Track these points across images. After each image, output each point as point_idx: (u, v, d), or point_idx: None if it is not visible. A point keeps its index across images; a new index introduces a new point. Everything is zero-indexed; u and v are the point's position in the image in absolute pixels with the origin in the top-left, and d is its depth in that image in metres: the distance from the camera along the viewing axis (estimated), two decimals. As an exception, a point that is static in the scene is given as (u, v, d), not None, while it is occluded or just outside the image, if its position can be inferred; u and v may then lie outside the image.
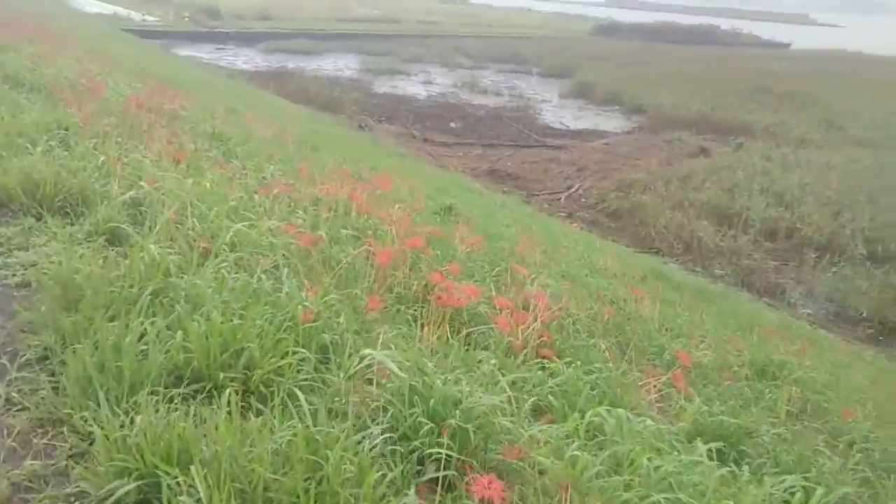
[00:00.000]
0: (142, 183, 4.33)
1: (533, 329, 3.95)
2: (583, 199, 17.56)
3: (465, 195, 11.57)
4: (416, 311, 3.96)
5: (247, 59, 40.89)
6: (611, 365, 4.04)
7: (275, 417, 2.34)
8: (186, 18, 52.99)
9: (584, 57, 45.10)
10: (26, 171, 4.31)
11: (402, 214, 5.83)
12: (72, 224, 3.98)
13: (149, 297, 2.90)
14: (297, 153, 8.60)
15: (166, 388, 2.45)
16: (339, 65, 40.92)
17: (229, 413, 2.26)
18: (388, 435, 2.37)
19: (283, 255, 3.82)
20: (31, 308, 3.00)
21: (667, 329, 5.83)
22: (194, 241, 3.64)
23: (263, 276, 3.32)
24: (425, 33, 57.38)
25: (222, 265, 3.38)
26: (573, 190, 18.10)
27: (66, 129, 5.47)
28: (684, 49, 56.93)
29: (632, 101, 31.46)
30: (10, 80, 6.94)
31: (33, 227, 3.93)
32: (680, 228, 15.34)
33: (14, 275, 3.41)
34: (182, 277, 3.14)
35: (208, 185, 4.55)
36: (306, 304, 3.09)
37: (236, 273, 3.36)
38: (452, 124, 25.71)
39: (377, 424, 2.42)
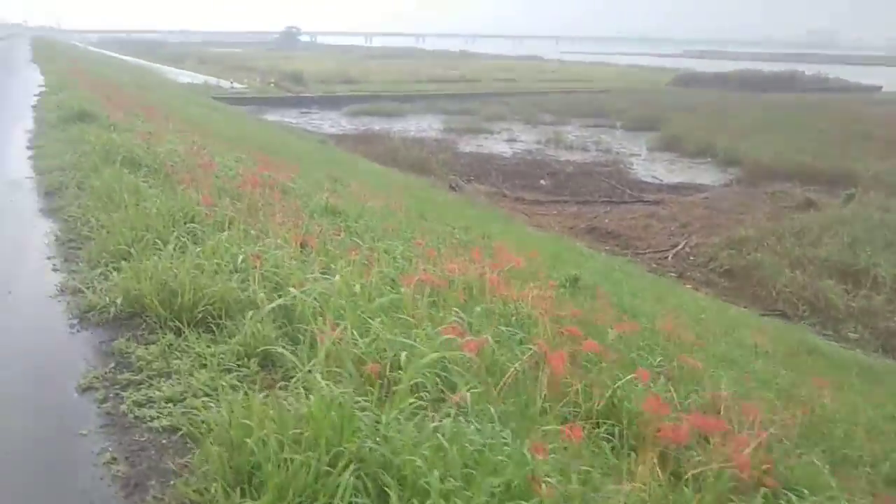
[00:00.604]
0: (290, 288, 3.95)
1: (749, 452, 3.26)
2: (691, 258, 16.65)
3: (583, 262, 10.95)
4: (604, 429, 3.35)
5: (332, 121, 41.73)
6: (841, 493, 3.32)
7: None
8: (272, 84, 54.75)
9: (668, 108, 44.22)
10: (161, 278, 4.05)
11: (540, 294, 5.28)
12: (216, 341, 3.61)
13: (346, 470, 2.33)
14: (407, 223, 8.21)
15: None
16: (423, 125, 41.24)
17: None
18: None
19: (459, 371, 3.27)
20: (192, 477, 2.51)
21: (869, 430, 5.01)
22: (363, 365, 3.14)
23: (461, 419, 2.76)
24: (504, 91, 57.70)
25: (412, 406, 2.84)
26: (680, 248, 17.22)
27: (193, 220, 5.26)
28: (770, 97, 55.33)
29: (725, 153, 30.34)
30: (128, 161, 6.95)
31: (173, 345, 3.63)
32: (802, 288, 14.25)
33: (160, 415, 2.96)
34: (377, 434, 2.57)
35: (357, 287, 4.07)
36: (531, 465, 2.49)
37: (425, 412, 2.81)
38: (542, 181, 25.22)
39: None
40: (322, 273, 4.36)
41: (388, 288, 4.29)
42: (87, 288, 4.40)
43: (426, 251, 5.94)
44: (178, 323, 3.80)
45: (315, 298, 3.79)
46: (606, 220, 19.64)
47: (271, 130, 24.64)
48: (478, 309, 4.27)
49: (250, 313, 3.68)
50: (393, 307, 3.94)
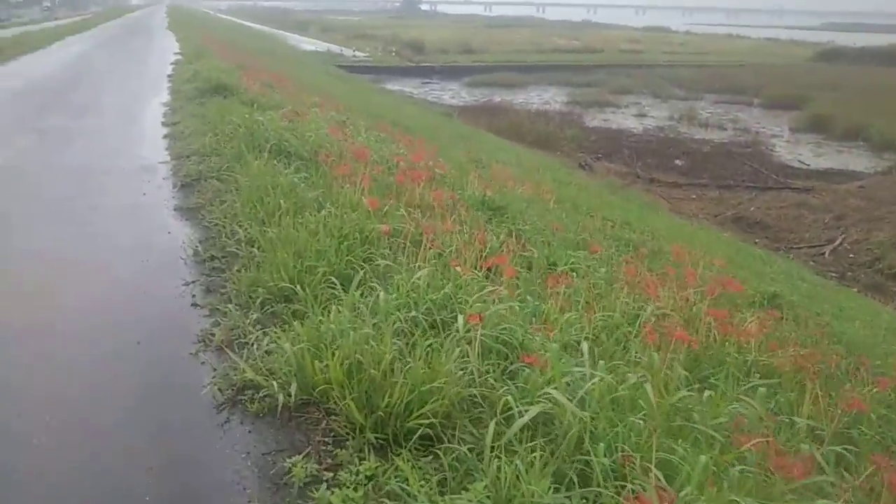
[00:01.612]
0: (551, 390, 2.64)
1: None
2: (851, 255, 15.01)
3: (761, 267, 9.73)
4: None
5: (453, 92, 41.07)
6: None
7: None
8: (393, 53, 54.62)
9: (811, 86, 40.94)
10: (352, 355, 2.89)
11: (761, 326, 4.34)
12: (442, 477, 2.46)
13: None
14: (567, 217, 7.36)
15: None
16: (545, 97, 39.98)
17: None
18: None
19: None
20: None
21: None
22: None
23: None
24: (630, 63, 55.31)
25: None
26: (837, 244, 15.58)
27: (367, 239, 4.27)
28: (927, 74, 50.62)
29: (881, 137, 27.62)
30: (276, 151, 6.10)
31: (377, 475, 2.50)
32: None
33: None
34: None
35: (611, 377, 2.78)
36: None
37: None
38: (677, 161, 23.68)
39: None
40: (543, 326, 3.38)
41: (637, 363, 3.20)
42: (240, 348, 3.40)
43: (625, 271, 4.89)
44: (381, 435, 2.69)
45: (582, 399, 2.59)
46: (752, 209, 18.08)
47: (397, 102, 24.13)
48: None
49: (492, 426, 2.49)
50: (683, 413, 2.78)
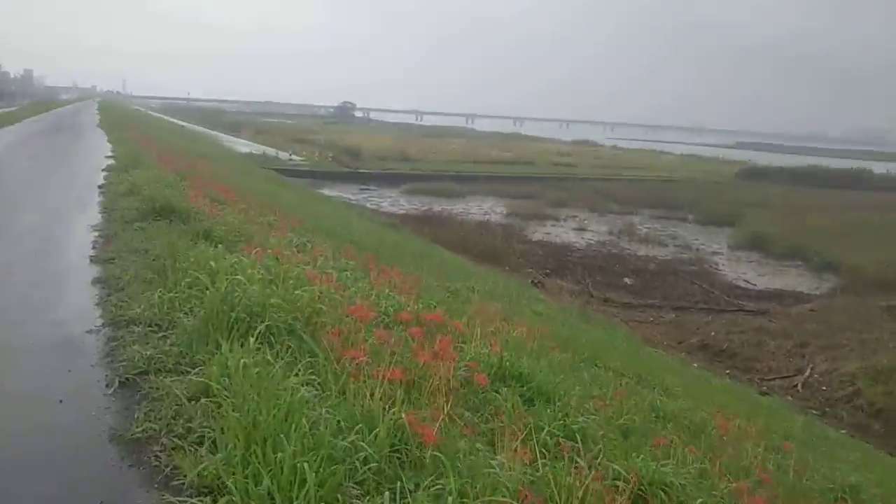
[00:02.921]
0: None
1: None
2: (824, 388, 14.31)
3: (779, 423, 8.65)
4: None
5: (391, 200, 40.50)
6: None
7: None
8: (330, 158, 54.14)
9: (741, 203, 42.19)
10: None
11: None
12: None
13: None
14: (588, 377, 6.21)
15: None
16: (484, 207, 39.78)
17: None
18: None
19: None
20: None
21: None
22: None
23: None
24: (562, 175, 56.22)
25: None
26: (807, 375, 14.91)
27: None
28: (843, 194, 53.15)
29: (819, 258, 27.94)
30: (257, 325, 4.11)
31: None
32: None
33: None
34: None
35: None
36: None
37: None
38: (626, 280, 23.16)
39: None
40: None
41: None
42: None
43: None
44: None
45: None
46: (712, 333, 17.41)
47: (345, 213, 22.93)
48: None
49: None
50: None
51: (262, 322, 4.03)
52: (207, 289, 4.45)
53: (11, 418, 3.66)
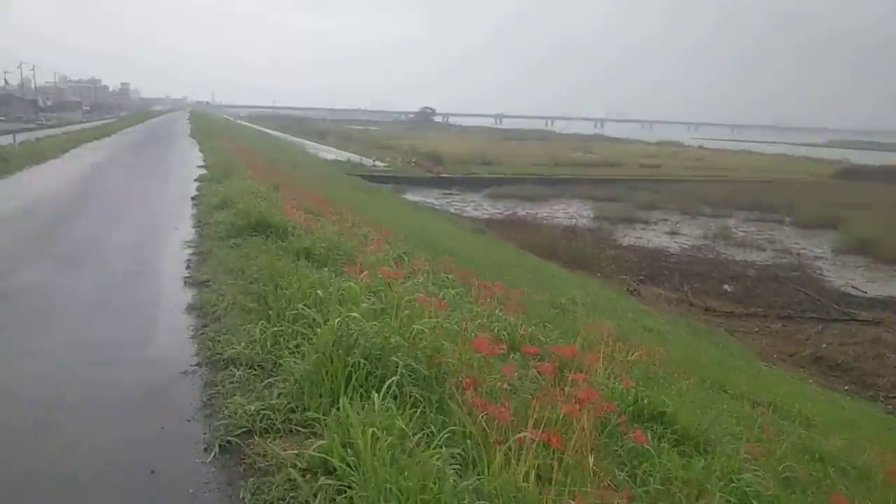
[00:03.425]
0: None
1: None
2: (957, 407, 13.15)
3: None
4: None
5: (475, 204, 40.18)
6: None
7: None
8: (413, 164, 54.31)
9: (841, 205, 39.96)
10: None
11: None
12: None
13: None
14: (729, 412, 5.65)
15: None
16: (570, 211, 38.97)
17: None
18: None
19: None
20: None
21: None
22: None
23: None
24: (649, 177, 54.75)
25: None
26: (936, 391, 13.75)
27: None
28: (954, 194, 49.82)
29: (933, 262, 26.12)
30: (378, 376, 3.64)
31: None
32: None
33: None
34: None
35: None
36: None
37: None
38: (726, 287, 22.08)
39: None
40: None
41: None
42: None
43: None
44: None
45: None
46: (824, 345, 16.33)
47: (433, 220, 22.71)
48: None
49: None
50: None
51: (381, 366, 3.55)
52: (316, 324, 4.03)
53: (101, 495, 3.16)
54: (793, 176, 61.40)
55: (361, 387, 3.50)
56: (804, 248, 30.38)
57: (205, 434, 3.55)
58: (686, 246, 29.50)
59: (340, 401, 3.22)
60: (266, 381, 4.00)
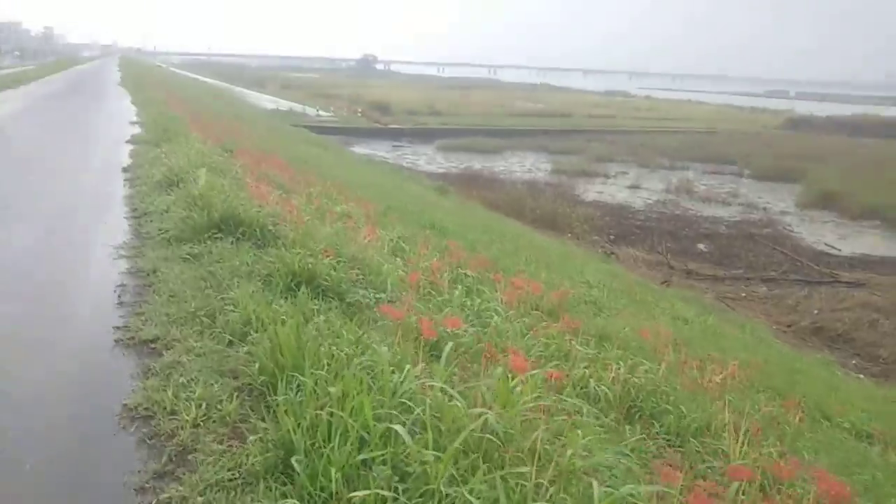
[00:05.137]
0: None
1: None
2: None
3: None
4: None
5: (427, 157, 38.46)
6: None
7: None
8: (359, 114, 51.99)
9: (796, 156, 39.59)
10: None
11: None
12: None
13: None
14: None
15: None
16: (526, 165, 37.62)
17: None
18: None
19: None
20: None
21: None
22: None
23: None
24: (602, 128, 53.57)
25: None
26: (944, 363, 12.91)
27: None
28: (902, 145, 50.10)
29: (904, 219, 25.57)
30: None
31: None
32: None
33: None
34: None
35: None
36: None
37: None
38: (701, 246, 21.11)
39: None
40: None
41: None
42: None
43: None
44: None
45: None
46: (816, 311, 15.40)
47: (397, 181, 20.83)
48: None
49: None
50: None
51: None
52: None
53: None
54: (741, 126, 61.13)
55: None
56: (768, 203, 29.69)
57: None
58: (650, 201, 28.45)
59: None
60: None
